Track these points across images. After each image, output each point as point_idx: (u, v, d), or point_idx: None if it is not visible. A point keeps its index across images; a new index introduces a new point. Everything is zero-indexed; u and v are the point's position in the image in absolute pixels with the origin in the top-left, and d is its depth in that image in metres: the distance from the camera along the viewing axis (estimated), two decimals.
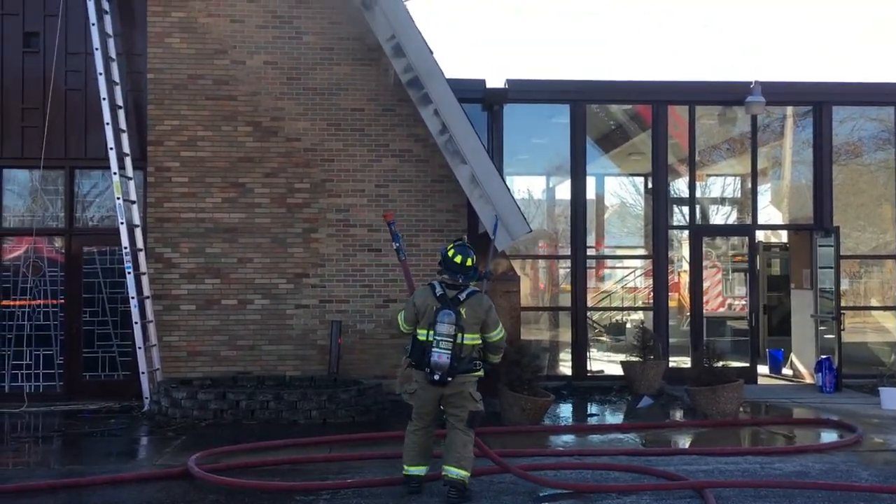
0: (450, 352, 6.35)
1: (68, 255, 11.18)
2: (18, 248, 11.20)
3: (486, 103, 12.59)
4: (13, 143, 10.99)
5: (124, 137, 10.62)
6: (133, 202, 10.71)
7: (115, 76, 10.59)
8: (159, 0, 10.93)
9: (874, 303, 14.18)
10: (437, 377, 6.37)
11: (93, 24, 10.32)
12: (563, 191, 13.86)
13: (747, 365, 12.68)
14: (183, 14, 10.96)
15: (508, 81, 12.55)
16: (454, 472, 6.39)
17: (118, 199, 10.43)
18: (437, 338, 6.38)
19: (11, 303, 11.02)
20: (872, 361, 13.45)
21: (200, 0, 10.96)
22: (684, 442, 9.24)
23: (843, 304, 12.73)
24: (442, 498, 6.42)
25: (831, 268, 12.77)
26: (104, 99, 10.37)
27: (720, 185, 16.14)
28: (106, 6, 10.60)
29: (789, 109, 13.61)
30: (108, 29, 10.59)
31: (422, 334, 6.52)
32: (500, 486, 6.81)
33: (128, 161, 10.65)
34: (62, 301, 11.10)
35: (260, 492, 6.59)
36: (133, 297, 10.38)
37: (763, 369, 13.65)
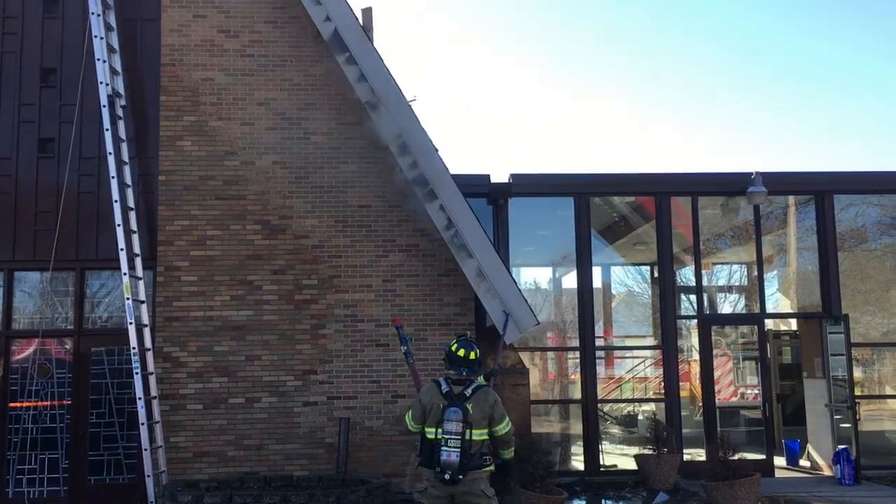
0: (459, 449, 6.29)
1: (76, 356, 11.18)
2: (27, 350, 11.21)
3: (491, 197, 12.79)
4: (25, 245, 11.14)
5: (135, 238, 10.77)
6: (142, 302, 10.77)
7: (128, 179, 10.81)
8: (172, 105, 11.25)
9: (889, 390, 14.01)
10: (447, 476, 6.28)
11: (106, 130, 10.60)
12: (570, 281, 13.91)
13: (763, 457, 12.43)
14: (194, 118, 11.27)
15: (512, 176, 12.78)
16: None
17: (128, 299, 10.49)
18: (445, 436, 6.33)
19: (18, 405, 10.96)
20: (892, 451, 13.18)
21: (212, 105, 11.28)
22: None
23: (857, 392, 12.57)
24: None
25: (843, 355, 12.65)
26: (116, 201, 10.56)
27: (727, 272, 16.20)
28: (120, 112, 10.92)
29: (791, 198, 13.77)
30: (122, 134, 10.87)
31: (430, 433, 6.46)
32: None
33: (138, 261, 10.77)
34: (69, 403, 11.04)
35: None
36: (140, 398, 10.32)
37: (780, 461, 13.36)
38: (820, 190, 13.06)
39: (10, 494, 10.75)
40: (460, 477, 6.30)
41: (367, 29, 11.32)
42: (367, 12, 11.37)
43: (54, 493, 10.83)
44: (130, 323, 10.45)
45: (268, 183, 11.29)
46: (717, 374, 13.53)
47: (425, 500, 6.49)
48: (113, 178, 10.58)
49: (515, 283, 11.08)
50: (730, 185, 12.92)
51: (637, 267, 16.78)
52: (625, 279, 18.80)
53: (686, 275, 14.18)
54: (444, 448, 6.30)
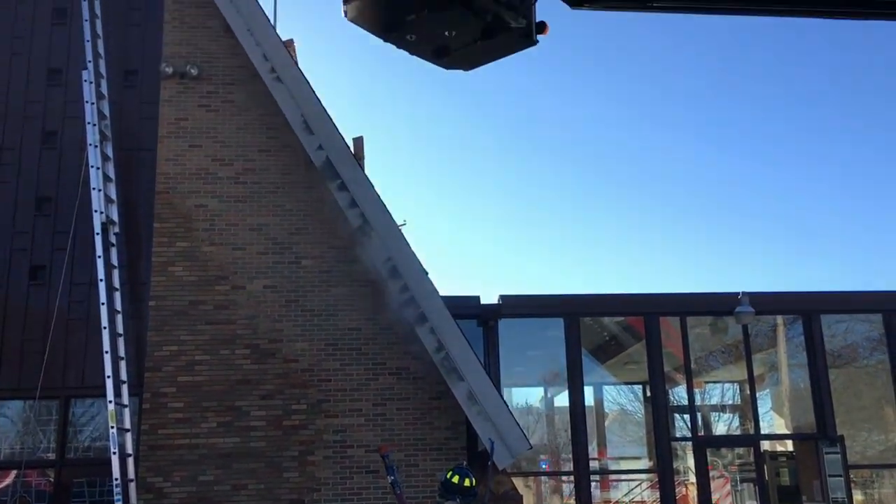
0: None
1: (57, 487, 10.85)
2: (6, 479, 10.89)
3: (481, 319, 12.84)
4: (11, 373, 11.00)
5: (122, 365, 10.67)
6: (127, 430, 10.57)
7: (118, 305, 10.82)
8: (165, 231, 11.39)
9: None
10: None
11: (98, 257, 10.69)
12: (562, 400, 13.80)
13: None
14: (187, 244, 11.39)
15: (502, 297, 12.88)
16: None
17: (112, 428, 10.29)
18: None
19: None
20: None
21: (204, 231, 11.43)
22: None
23: None
24: None
25: (841, 476, 12.44)
26: (105, 328, 10.53)
27: (719, 391, 16.09)
28: (113, 239, 11.04)
29: (779, 318, 13.88)
30: (114, 260, 10.96)
31: None
32: None
33: (124, 389, 10.63)
34: None
35: None
36: None
37: None
38: (807, 310, 13.20)
39: None
40: None
41: (358, 157, 11.65)
42: (359, 141, 11.74)
43: None
44: (114, 452, 10.21)
45: (258, 307, 11.31)
46: (715, 496, 13.25)
47: None
48: (103, 304, 10.58)
49: (507, 406, 10.97)
50: (717, 305, 13.04)
51: (630, 386, 16.67)
52: (617, 398, 18.62)
53: (679, 393, 14.09)
54: None
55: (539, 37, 10.51)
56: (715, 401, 16.16)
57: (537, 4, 10.30)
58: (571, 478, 12.78)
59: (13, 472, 10.77)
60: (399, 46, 10.72)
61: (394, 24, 10.40)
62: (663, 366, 12.99)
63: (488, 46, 10.92)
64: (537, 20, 10.53)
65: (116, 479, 10.10)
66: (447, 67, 11.39)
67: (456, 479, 6.73)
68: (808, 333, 13.13)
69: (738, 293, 12.74)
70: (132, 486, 10.36)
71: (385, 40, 10.64)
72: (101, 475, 10.62)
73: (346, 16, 10.47)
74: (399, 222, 11.39)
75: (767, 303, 13.00)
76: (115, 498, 10.08)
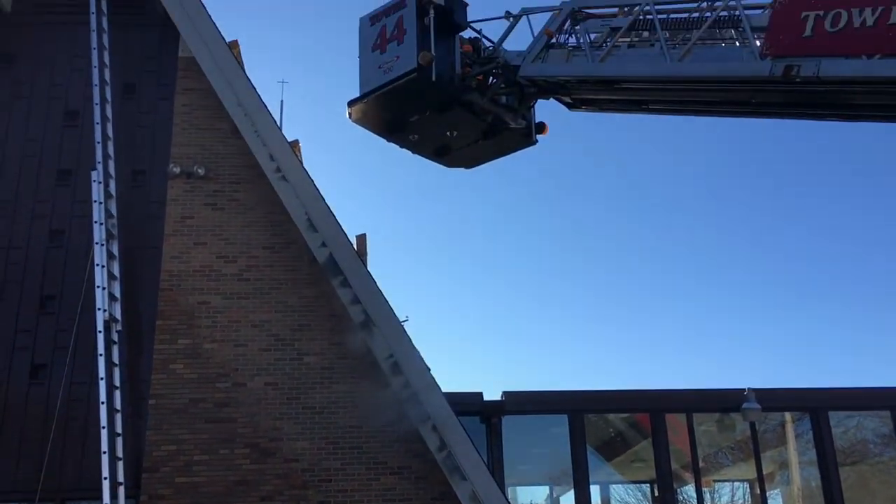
0: None
1: None
2: None
3: (484, 416, 12.70)
4: (7, 475, 10.80)
5: (120, 466, 10.49)
6: None
7: (117, 404, 10.72)
8: (167, 328, 11.39)
9: None
10: None
11: (100, 355, 10.66)
12: (568, 499, 13.48)
13: None
14: (189, 341, 11.37)
15: (505, 394, 12.76)
16: None
17: None
18: None
19: None
20: None
21: (206, 328, 11.43)
22: None
23: None
24: None
25: None
26: (104, 427, 10.40)
27: (729, 490, 15.70)
28: (115, 337, 11.02)
29: (787, 415, 13.70)
30: (115, 359, 10.93)
31: None
32: None
33: (121, 491, 10.40)
34: None
35: None
36: None
37: None
38: (814, 407, 13.04)
39: None
40: None
41: (361, 253, 11.75)
42: (362, 238, 11.88)
43: None
44: None
45: (259, 405, 11.19)
46: None
47: None
48: (103, 403, 10.48)
49: None
50: (724, 402, 12.90)
51: (637, 485, 16.29)
52: (625, 497, 18.17)
53: (688, 492, 13.76)
54: None
55: (539, 136, 10.65)
56: (725, 500, 15.75)
57: (536, 106, 10.51)
58: None
59: None
60: (402, 146, 10.89)
61: (397, 125, 10.64)
62: (671, 464, 12.74)
63: (489, 146, 11.11)
64: (537, 121, 10.71)
65: None
66: (449, 166, 11.54)
67: None
68: (817, 430, 12.94)
69: (744, 389, 12.61)
70: None
71: (388, 140, 10.83)
72: None
73: (350, 118, 10.65)
74: (401, 318, 11.40)
75: (774, 399, 12.86)
76: None
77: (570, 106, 9.76)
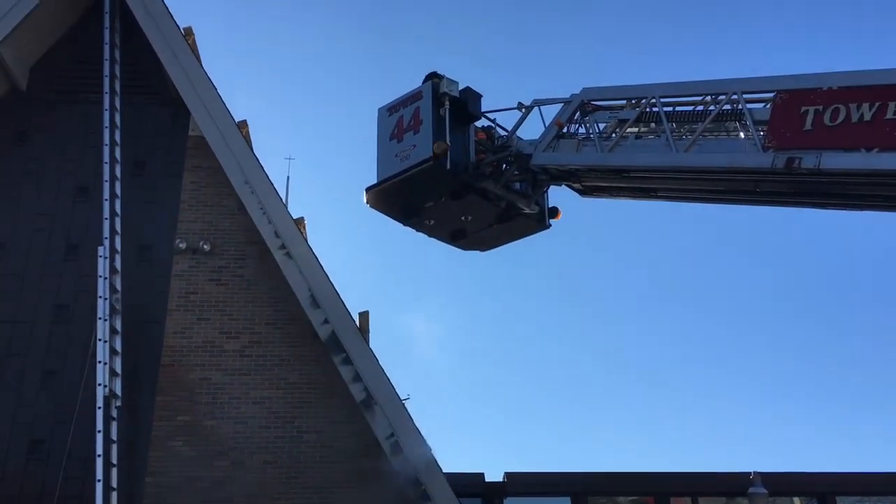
0: None
1: None
2: None
3: (486, 497, 12.47)
4: None
5: None
6: None
7: (114, 482, 10.58)
8: (167, 405, 11.32)
9: None
10: None
11: (99, 432, 10.55)
12: None
13: None
14: (188, 417, 11.29)
15: (507, 475, 12.56)
16: None
17: None
18: None
19: None
20: None
21: (206, 404, 11.36)
22: None
23: None
24: None
25: None
26: None
27: None
28: (114, 413, 10.93)
29: (796, 500, 13.41)
30: (114, 435, 10.81)
31: None
32: None
33: None
34: None
35: None
36: None
37: None
38: (822, 492, 12.77)
39: None
40: None
41: (363, 330, 11.74)
42: (365, 315, 11.88)
43: None
44: None
45: (257, 484, 11.03)
46: None
47: None
48: (99, 481, 10.35)
49: None
50: (730, 486, 12.65)
51: None
52: None
53: None
54: None
55: (552, 221, 10.82)
56: None
57: (549, 192, 10.69)
58: None
59: None
60: (418, 230, 11.07)
61: (413, 210, 10.86)
62: None
63: (503, 230, 11.29)
64: (550, 206, 10.88)
65: None
66: (464, 249, 11.68)
67: None
68: None
69: (750, 473, 12.36)
70: None
71: (405, 225, 11.01)
72: None
73: (367, 203, 10.87)
74: (403, 396, 11.32)
75: (781, 483, 12.58)
76: None
77: (581, 192, 9.98)
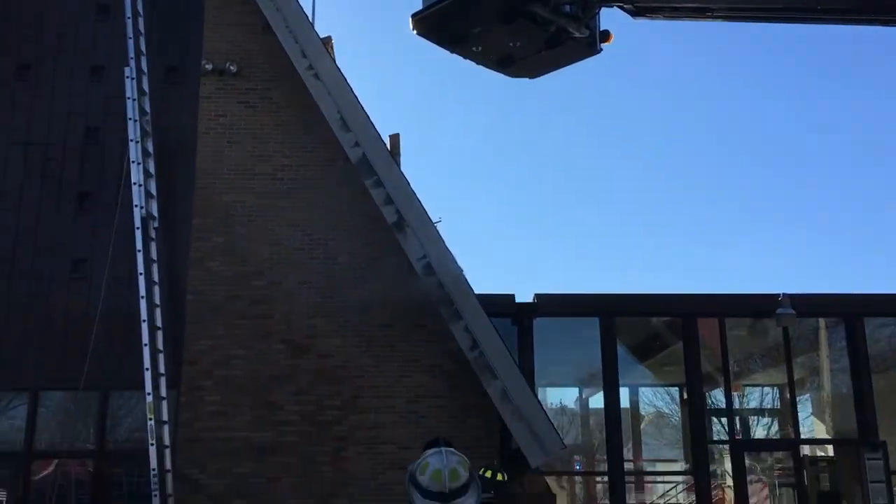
0: None
1: (96, 478, 11.04)
2: (47, 469, 11.11)
3: (516, 318, 12.76)
4: (52, 366, 11.19)
5: (161, 358, 10.82)
6: (165, 422, 10.70)
7: (157, 299, 10.96)
8: (203, 227, 11.51)
9: None
10: None
11: (139, 251, 10.84)
12: (597, 401, 13.66)
13: None
14: (224, 239, 11.50)
15: (537, 296, 12.79)
16: None
17: (150, 419, 10.44)
18: None
19: None
20: None
21: (241, 227, 11.53)
22: None
23: None
24: None
25: (883, 482, 12.16)
26: (144, 321, 10.68)
27: (758, 395, 15.80)
28: (153, 234, 11.17)
29: (821, 321, 13.59)
30: (153, 255, 11.11)
31: None
32: None
33: (162, 382, 10.77)
34: None
35: None
36: None
37: None
38: (850, 313, 12.89)
39: None
40: None
41: (394, 153, 11.66)
42: (395, 138, 11.76)
43: None
44: (151, 444, 10.37)
45: (294, 303, 11.38)
46: (752, 500, 13.01)
47: None
48: (142, 297, 10.73)
49: (541, 405, 10.91)
50: (757, 308, 12.78)
51: (666, 388, 16.45)
52: (654, 400, 18.39)
53: (717, 397, 13.87)
54: None
55: (603, 45, 10.38)
56: (754, 405, 15.88)
57: (601, 14, 10.17)
58: (605, 478, 12.65)
59: (54, 462, 10.96)
60: (465, 57, 10.70)
61: (460, 37, 10.43)
62: (701, 368, 12.78)
63: (552, 56, 10.86)
64: (601, 29, 10.39)
65: (154, 470, 10.25)
66: (512, 76, 11.33)
67: (489, 474, 6.81)
68: (851, 337, 12.83)
69: (778, 295, 12.47)
70: (169, 476, 10.50)
71: (451, 52, 10.61)
72: (139, 466, 10.77)
73: (413, 30, 10.48)
74: (434, 219, 11.38)
75: (809, 305, 12.70)
76: (152, 489, 10.23)
77: (633, 13, 9.47)
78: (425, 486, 3.19)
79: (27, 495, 10.94)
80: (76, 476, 11.12)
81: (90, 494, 11.00)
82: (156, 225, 11.28)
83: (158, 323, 10.91)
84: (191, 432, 10.90)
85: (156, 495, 10.20)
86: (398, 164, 11.58)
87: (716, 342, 12.90)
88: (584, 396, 15.43)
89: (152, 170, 11.38)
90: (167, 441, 10.65)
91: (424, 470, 3.24)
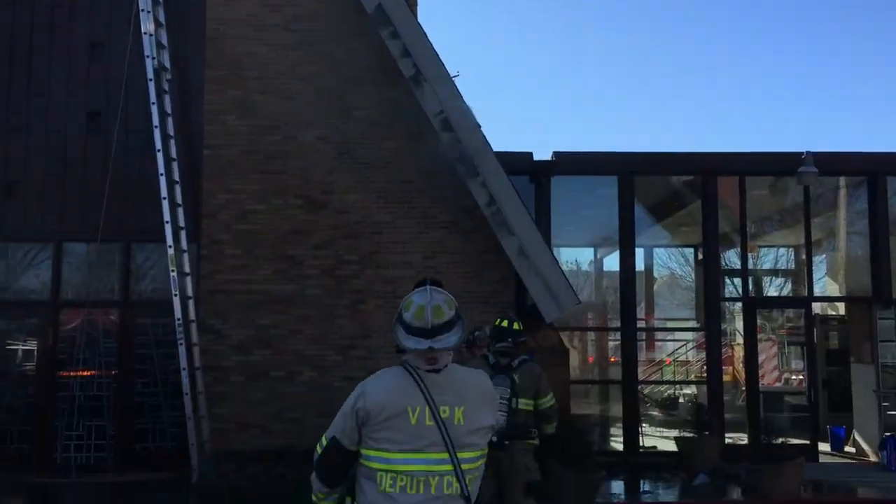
0: (505, 414, 6.36)
1: (122, 327, 11.39)
2: (74, 320, 11.44)
3: (534, 175, 12.66)
4: (73, 217, 11.34)
5: (180, 212, 10.89)
6: (187, 274, 10.90)
7: (173, 153, 10.93)
8: (216, 79, 11.30)
9: None
10: (494, 438, 6.32)
11: (153, 104, 10.71)
12: (611, 262, 13.78)
13: (807, 442, 12.21)
14: (238, 93, 11.32)
15: (555, 154, 12.64)
16: None
17: (172, 272, 10.64)
18: None
19: (67, 374, 11.20)
20: None
21: (256, 79, 11.32)
22: None
23: None
24: None
25: (893, 341, 12.36)
26: (162, 174, 10.69)
27: (773, 256, 15.91)
28: (166, 86, 11.01)
29: (842, 180, 13.41)
30: (167, 108, 10.98)
31: None
32: None
33: (182, 234, 10.90)
34: (115, 372, 11.26)
35: None
36: (184, 369, 10.48)
37: (824, 447, 13.12)
38: (873, 171, 12.68)
39: (58, 460, 11.02)
40: (506, 443, 6.35)
41: (410, 3, 11.26)
42: None
43: (101, 460, 11.07)
44: (175, 295, 10.60)
45: (310, 158, 11.32)
46: (761, 358, 13.31)
47: None
48: (158, 151, 10.70)
49: (557, 261, 10.99)
50: (779, 166, 12.58)
51: (680, 249, 16.55)
52: (668, 262, 18.57)
53: (731, 258, 13.93)
54: None
55: None
56: (768, 266, 16.00)
57: None
58: (618, 335, 12.90)
59: (81, 316, 11.27)
60: None
61: None
62: (718, 228, 12.74)
63: None
64: None
65: (178, 320, 10.53)
66: None
67: (504, 324, 6.90)
68: (873, 196, 12.67)
69: (801, 153, 12.26)
70: (193, 326, 10.79)
71: None
72: (164, 316, 11.07)
73: None
74: (452, 73, 11.10)
75: (832, 163, 12.45)
76: (178, 338, 10.54)
77: None
78: (409, 322, 3.17)
79: (56, 344, 11.32)
80: (103, 326, 11.45)
81: (117, 343, 11.37)
82: (168, 76, 11.09)
83: (176, 177, 10.92)
84: (212, 284, 11.12)
85: (181, 344, 10.52)
86: (415, 15, 11.20)
87: (735, 202, 12.79)
88: (598, 257, 15.54)
89: (162, 19, 11.08)
90: (190, 292, 10.89)
91: (409, 307, 3.20)
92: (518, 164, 12.16)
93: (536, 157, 12.70)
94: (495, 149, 10.89)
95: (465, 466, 3.16)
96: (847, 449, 13.26)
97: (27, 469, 10.71)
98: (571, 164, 12.55)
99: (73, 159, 11.38)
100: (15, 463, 10.82)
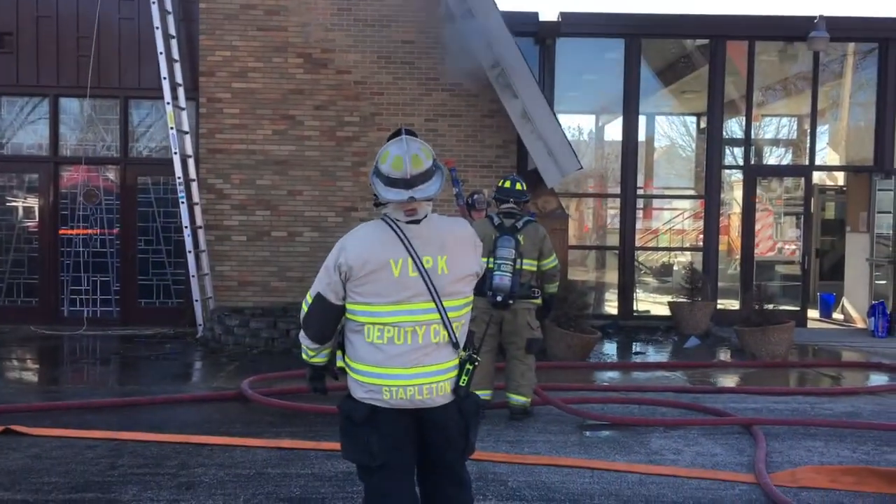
0: (510, 274, 6.49)
1: (123, 185, 11.38)
2: (75, 178, 11.42)
3: (539, 37, 12.33)
4: (69, 72, 11.11)
5: (177, 67, 10.67)
6: (186, 133, 10.80)
7: (168, 5, 10.59)
8: None
9: None
10: (499, 298, 6.49)
11: None
12: (612, 131, 13.64)
13: (797, 308, 12.50)
14: None
15: (562, 14, 12.27)
16: (516, 399, 6.73)
17: (171, 129, 10.53)
18: (498, 262, 6.57)
19: (69, 231, 11.29)
20: None
21: None
22: (732, 381, 9.21)
23: None
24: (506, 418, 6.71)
25: (890, 213, 12.45)
26: (157, 28, 10.40)
27: (775, 126, 15.72)
28: None
29: (850, 48, 13.08)
30: None
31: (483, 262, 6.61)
32: (548, 418, 6.87)
33: (181, 91, 10.72)
34: (118, 230, 11.35)
35: (314, 414, 6.74)
36: (186, 227, 10.56)
37: (813, 313, 13.46)
38: (885, 37, 12.36)
39: (65, 313, 11.28)
40: (510, 302, 6.50)
41: None
42: None
43: (107, 314, 11.34)
44: (175, 153, 10.55)
45: (309, 14, 11.00)
46: (756, 227, 13.41)
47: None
48: (154, 3, 10.36)
49: (560, 125, 10.88)
50: (790, 30, 12.24)
51: (682, 118, 16.31)
52: (668, 131, 18.37)
53: (732, 128, 13.78)
54: (496, 272, 6.53)
55: None
56: (770, 135, 15.85)
57: None
58: (617, 201, 12.93)
59: (81, 173, 11.23)
60: None
61: None
62: (723, 95, 12.54)
63: None
64: None
65: (179, 178, 10.52)
66: None
67: (507, 184, 6.94)
68: (882, 63, 12.40)
69: (814, 17, 11.91)
70: (194, 185, 10.80)
71: None
72: (164, 175, 11.05)
73: None
74: None
75: (844, 28, 12.09)
76: (179, 195, 10.56)
77: None
78: (387, 173, 3.13)
79: (57, 200, 11.34)
80: (104, 184, 11.44)
81: (118, 201, 11.39)
82: None
83: (172, 31, 10.64)
84: (212, 143, 11.04)
85: (183, 202, 10.55)
86: None
87: (742, 67, 12.52)
88: (600, 125, 15.38)
89: None
90: (190, 151, 10.83)
91: (386, 158, 3.15)
92: (523, 24, 11.83)
93: (542, 18, 12.34)
94: (501, 8, 10.56)
95: (451, 315, 3.19)
96: (835, 316, 13.61)
97: (35, 322, 10.97)
98: (578, 24, 12.19)
99: (65, 11, 11.02)
100: (22, 316, 11.08)
